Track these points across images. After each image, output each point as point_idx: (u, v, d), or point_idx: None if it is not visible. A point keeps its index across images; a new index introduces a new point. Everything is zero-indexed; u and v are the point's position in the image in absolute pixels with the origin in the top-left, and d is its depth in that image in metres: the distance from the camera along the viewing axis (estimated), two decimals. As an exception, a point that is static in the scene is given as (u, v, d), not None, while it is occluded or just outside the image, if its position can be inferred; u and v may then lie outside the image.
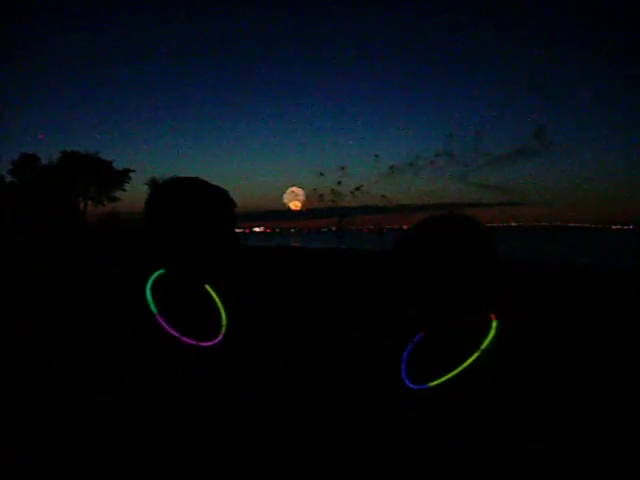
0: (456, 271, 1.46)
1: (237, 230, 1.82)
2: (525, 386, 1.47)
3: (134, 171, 66.81)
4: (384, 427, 1.59)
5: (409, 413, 1.56)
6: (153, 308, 1.70)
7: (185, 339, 1.70)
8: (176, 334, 1.70)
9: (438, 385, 1.54)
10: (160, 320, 1.69)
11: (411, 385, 1.58)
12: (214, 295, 1.79)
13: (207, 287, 1.78)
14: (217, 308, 1.79)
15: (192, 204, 1.67)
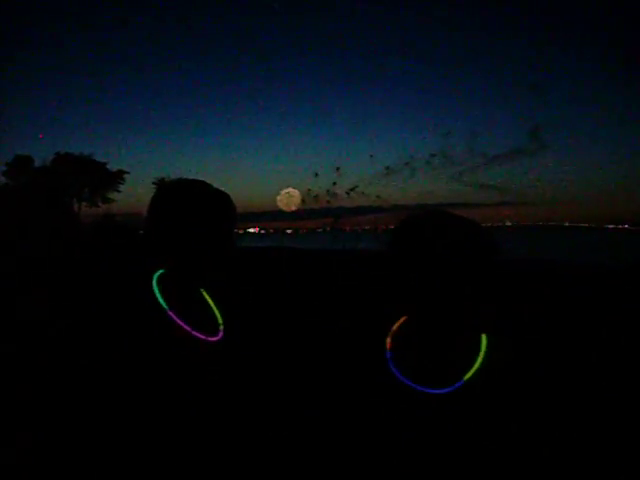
0: (443, 261, 1.46)
1: (236, 232, 1.84)
2: (528, 384, 1.48)
3: (128, 172, 66.77)
4: (387, 431, 1.56)
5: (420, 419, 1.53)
6: (163, 304, 1.72)
7: (196, 333, 1.73)
8: (188, 328, 1.72)
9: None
10: (172, 315, 1.71)
11: (437, 390, 1.53)
12: (208, 299, 1.82)
13: (202, 292, 1.81)
14: (212, 310, 1.81)
15: (196, 206, 1.70)
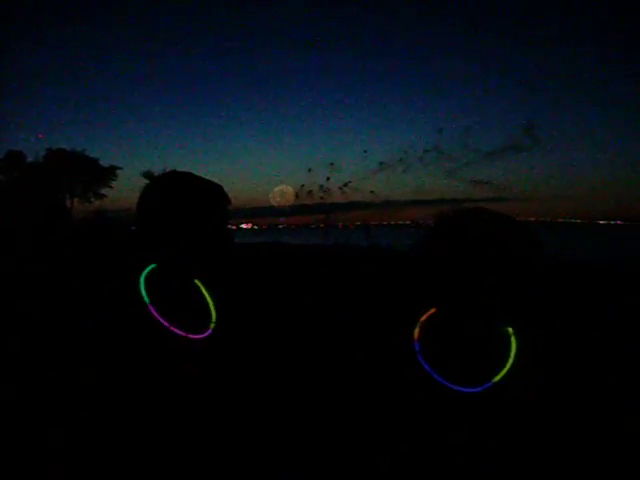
0: (481, 258, 1.44)
1: (230, 225, 1.82)
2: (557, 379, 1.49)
3: (121, 168, 66.46)
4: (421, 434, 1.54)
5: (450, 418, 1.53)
6: (146, 298, 1.71)
7: (175, 329, 1.71)
8: (166, 324, 1.70)
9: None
10: (152, 310, 1.70)
11: (468, 389, 1.52)
12: (204, 291, 1.79)
13: (197, 282, 1.79)
14: (207, 303, 1.79)
15: (187, 198, 1.67)
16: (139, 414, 1.63)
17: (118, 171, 64.95)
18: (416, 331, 1.60)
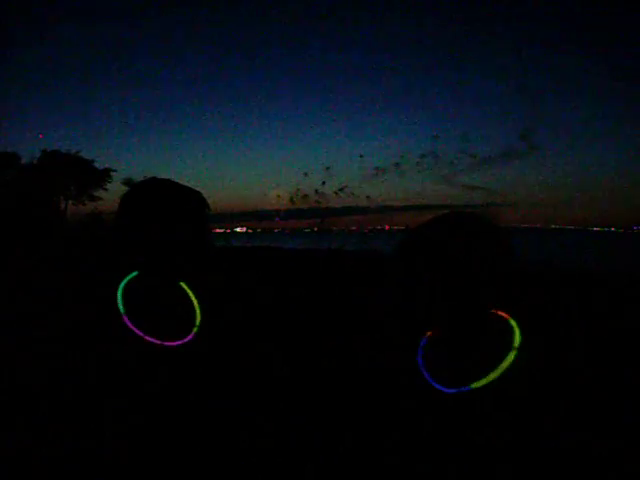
0: (468, 269, 1.46)
1: (213, 231, 1.82)
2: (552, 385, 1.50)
3: (116, 171, 66.08)
4: (404, 433, 1.58)
5: (436, 418, 1.55)
6: (121, 308, 1.71)
7: (149, 339, 1.71)
8: (140, 333, 1.70)
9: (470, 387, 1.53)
10: (126, 320, 1.70)
11: (445, 389, 1.56)
12: (189, 293, 1.79)
13: (183, 285, 1.79)
14: (191, 308, 1.80)
15: (166, 205, 1.68)
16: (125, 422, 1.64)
17: (113, 173, 64.79)
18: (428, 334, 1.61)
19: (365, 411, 1.64)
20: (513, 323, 1.56)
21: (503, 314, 1.56)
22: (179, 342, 1.75)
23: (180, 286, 1.80)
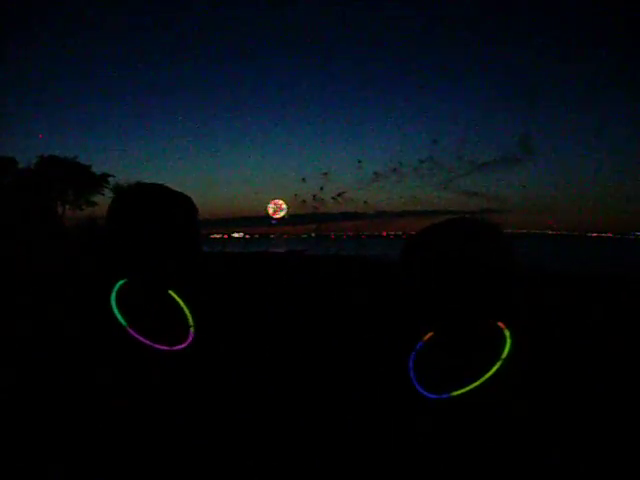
0: (467, 275, 1.47)
1: (203, 236, 1.82)
2: (543, 394, 1.49)
3: (113, 176, 66.15)
4: (392, 437, 1.58)
5: (423, 422, 1.56)
6: (122, 321, 1.69)
7: (158, 346, 1.70)
8: (149, 342, 1.69)
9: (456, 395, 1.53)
10: (131, 332, 1.69)
11: (428, 394, 1.56)
12: (178, 299, 1.77)
13: (171, 292, 1.77)
14: (182, 312, 1.78)
15: (155, 211, 1.66)
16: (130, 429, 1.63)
17: (110, 178, 64.64)
18: (428, 334, 1.60)
19: (355, 412, 1.64)
20: (507, 333, 1.55)
21: (500, 323, 1.55)
22: (184, 344, 1.74)
23: (169, 294, 1.76)
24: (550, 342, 1.62)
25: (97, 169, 65.24)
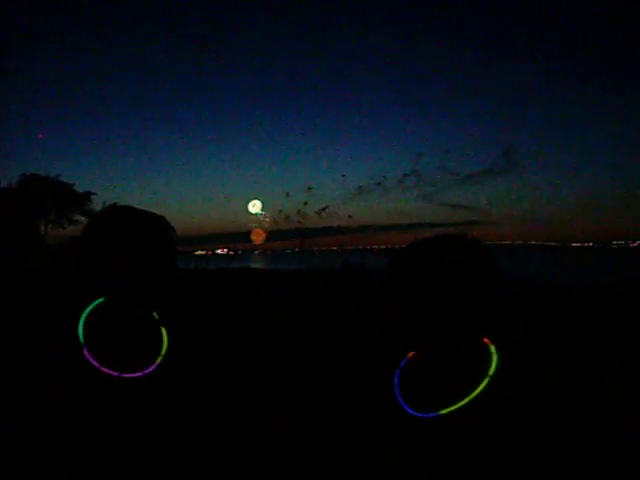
0: (453, 290, 1.47)
1: (175, 254, 1.80)
2: (531, 409, 1.50)
3: (95, 194, 65.80)
4: (377, 458, 1.58)
5: (411, 441, 1.55)
6: (81, 338, 1.70)
7: (105, 370, 1.70)
8: (96, 365, 1.69)
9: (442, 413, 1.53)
10: (85, 351, 1.69)
11: (415, 412, 1.57)
12: (158, 322, 1.78)
13: (153, 314, 1.78)
14: (157, 336, 1.78)
15: (129, 232, 1.67)
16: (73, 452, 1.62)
17: (92, 196, 64.48)
18: (411, 355, 1.62)
19: (342, 427, 1.64)
20: (492, 349, 1.56)
21: (485, 339, 1.56)
22: (139, 373, 1.73)
23: (147, 314, 1.77)
24: (537, 355, 1.63)
25: (80, 187, 64.65)
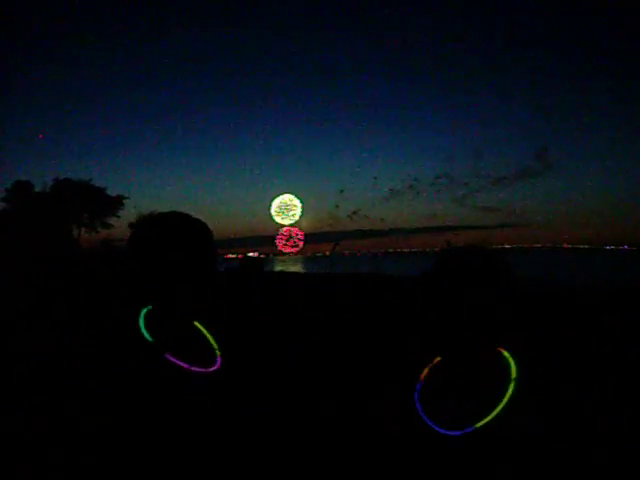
0: (479, 301, 1.49)
1: (216, 259, 1.82)
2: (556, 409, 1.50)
3: (128, 198, 66.63)
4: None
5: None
6: (148, 337, 1.73)
7: (194, 368, 1.74)
8: (186, 365, 1.73)
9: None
10: (169, 357, 1.72)
11: (447, 432, 1.55)
12: (202, 329, 1.80)
13: (196, 324, 1.80)
14: (206, 340, 1.80)
15: (174, 239, 1.69)
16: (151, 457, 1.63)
17: (125, 200, 65.18)
18: (423, 373, 1.63)
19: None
20: (507, 354, 1.57)
21: (500, 348, 1.58)
22: (214, 367, 1.78)
23: (192, 318, 1.79)
24: (558, 360, 1.62)
25: (112, 191, 65.39)
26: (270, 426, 1.80)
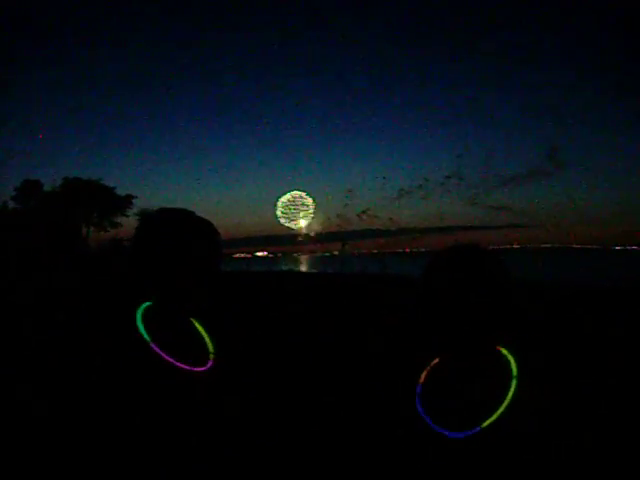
0: (468, 301, 1.49)
1: (221, 260, 1.82)
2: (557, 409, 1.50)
3: (137, 197, 66.65)
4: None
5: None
6: (146, 336, 1.72)
7: (180, 365, 1.73)
8: (171, 360, 1.72)
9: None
10: (155, 348, 1.71)
11: (452, 434, 1.55)
12: (200, 328, 1.80)
13: (194, 321, 1.80)
14: (203, 339, 1.81)
15: (178, 235, 1.69)
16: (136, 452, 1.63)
17: (134, 200, 65.21)
18: (423, 374, 1.63)
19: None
20: (505, 352, 1.57)
21: (498, 347, 1.58)
22: (203, 368, 1.77)
23: (191, 322, 1.80)
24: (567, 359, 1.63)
25: (121, 191, 65.47)
26: (270, 426, 1.81)
